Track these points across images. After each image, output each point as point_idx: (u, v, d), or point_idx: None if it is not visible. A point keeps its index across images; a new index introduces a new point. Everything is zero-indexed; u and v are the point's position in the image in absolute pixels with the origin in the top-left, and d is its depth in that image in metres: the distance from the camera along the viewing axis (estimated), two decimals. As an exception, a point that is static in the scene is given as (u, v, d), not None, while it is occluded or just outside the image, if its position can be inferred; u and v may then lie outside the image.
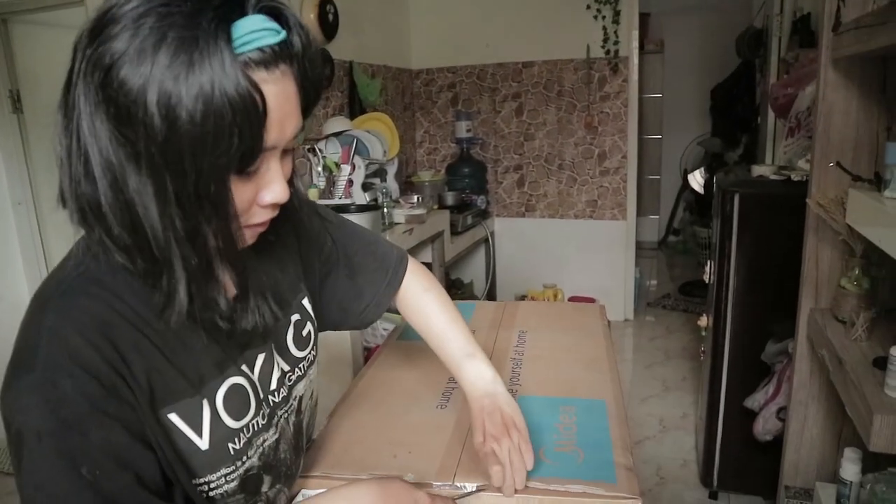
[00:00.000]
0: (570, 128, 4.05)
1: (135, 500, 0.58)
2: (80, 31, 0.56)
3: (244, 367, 0.73)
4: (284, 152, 0.63)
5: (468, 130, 4.05)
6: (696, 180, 5.75)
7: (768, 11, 3.79)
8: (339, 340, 2.21)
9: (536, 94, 4.08)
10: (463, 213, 3.68)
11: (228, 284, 0.68)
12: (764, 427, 1.96)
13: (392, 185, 3.23)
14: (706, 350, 2.35)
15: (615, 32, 3.79)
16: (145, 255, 0.59)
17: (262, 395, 0.76)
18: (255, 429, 0.74)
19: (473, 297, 4.19)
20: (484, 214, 4.03)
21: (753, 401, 2.02)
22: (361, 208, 2.69)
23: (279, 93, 0.57)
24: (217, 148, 0.54)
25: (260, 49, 0.55)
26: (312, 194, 2.82)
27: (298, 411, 0.85)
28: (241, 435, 0.72)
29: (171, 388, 0.64)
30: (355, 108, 3.36)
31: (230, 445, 0.70)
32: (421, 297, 1.02)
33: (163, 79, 0.51)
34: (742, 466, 2.22)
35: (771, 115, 3.47)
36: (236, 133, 0.54)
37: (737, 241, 2.06)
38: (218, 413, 0.69)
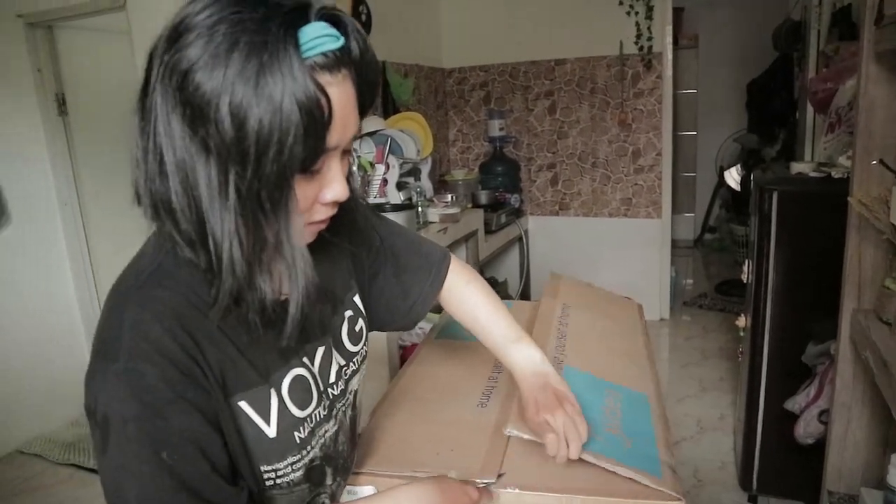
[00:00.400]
0: (604, 125, 4.02)
1: (210, 485, 0.62)
2: (156, 40, 0.59)
3: (305, 360, 0.76)
4: (343, 152, 0.66)
5: (501, 129, 4.04)
6: (733, 177, 5.64)
7: (807, 3, 3.71)
8: (375, 338, 2.22)
9: (569, 92, 4.06)
10: (497, 211, 3.68)
11: (284, 282, 0.70)
12: (805, 430, 1.93)
13: (426, 184, 3.24)
14: (744, 351, 2.32)
15: (648, 28, 3.75)
16: (208, 252, 0.61)
17: (322, 388, 0.78)
18: (318, 419, 0.77)
19: (508, 296, 4.18)
20: (517, 213, 4.02)
21: (794, 403, 1.99)
22: (396, 207, 2.71)
23: (341, 95, 0.60)
24: (284, 147, 0.57)
25: (323, 54, 0.58)
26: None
27: (354, 405, 0.88)
28: (306, 424, 0.74)
29: (242, 377, 0.67)
30: (388, 107, 3.38)
31: (296, 434, 0.73)
32: (463, 290, 1.03)
33: (235, 82, 0.55)
34: (783, 470, 2.18)
35: (810, 110, 3.40)
36: (302, 133, 0.57)
37: (775, 240, 2.03)
38: (284, 402, 0.72)
